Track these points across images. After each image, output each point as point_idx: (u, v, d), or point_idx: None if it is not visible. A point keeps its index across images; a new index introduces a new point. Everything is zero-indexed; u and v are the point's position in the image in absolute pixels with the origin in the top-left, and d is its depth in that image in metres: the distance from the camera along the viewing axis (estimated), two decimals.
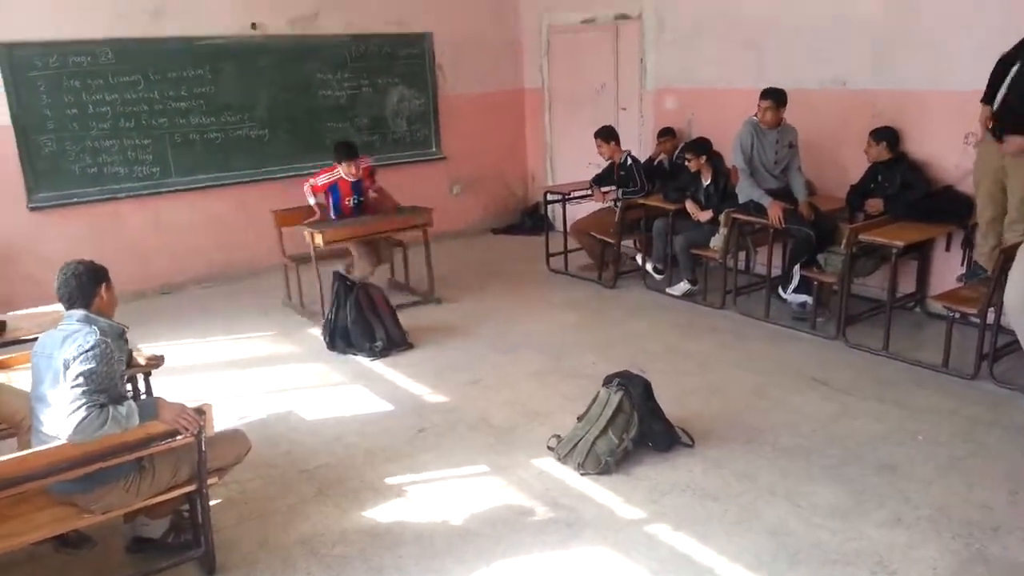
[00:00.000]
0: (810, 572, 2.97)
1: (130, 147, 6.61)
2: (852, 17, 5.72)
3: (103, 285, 2.89)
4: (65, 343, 2.71)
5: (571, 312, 6.06)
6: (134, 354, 3.47)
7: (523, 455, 3.92)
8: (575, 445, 3.75)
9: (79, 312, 2.83)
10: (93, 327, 2.77)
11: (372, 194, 6.28)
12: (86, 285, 2.85)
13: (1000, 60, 4.63)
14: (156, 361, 3.54)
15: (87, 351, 2.66)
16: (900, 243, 4.83)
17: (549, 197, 7.41)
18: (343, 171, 5.97)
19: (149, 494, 2.91)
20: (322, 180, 6.03)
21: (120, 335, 2.95)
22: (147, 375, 3.62)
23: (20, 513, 2.79)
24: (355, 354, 5.30)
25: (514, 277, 7.07)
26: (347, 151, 5.97)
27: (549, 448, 3.91)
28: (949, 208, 5.17)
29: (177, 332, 5.88)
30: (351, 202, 6.11)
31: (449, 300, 6.40)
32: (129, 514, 3.03)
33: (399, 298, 6.20)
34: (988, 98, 4.69)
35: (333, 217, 6.12)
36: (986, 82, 4.69)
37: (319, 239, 5.78)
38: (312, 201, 6.16)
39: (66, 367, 2.66)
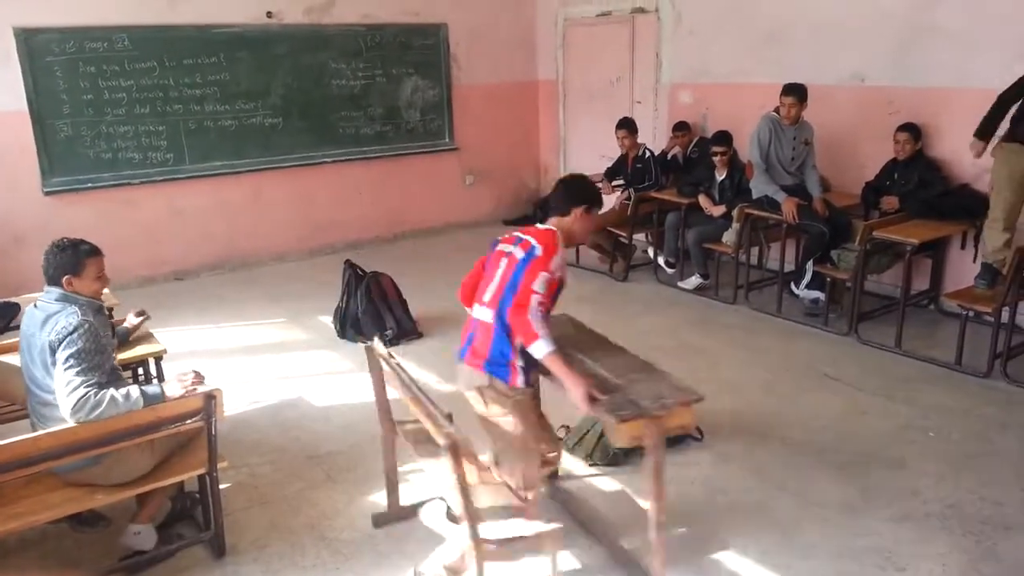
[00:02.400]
0: (818, 566, 2.96)
1: (145, 133, 6.64)
2: (872, 12, 5.67)
3: (68, 277, 2.80)
4: (47, 324, 2.72)
5: (581, 304, 5.99)
6: (125, 321, 3.53)
7: None
8: (584, 436, 3.75)
9: (57, 290, 2.81)
10: (73, 306, 2.76)
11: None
12: (55, 271, 2.82)
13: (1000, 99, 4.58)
14: (142, 314, 3.61)
15: (71, 333, 2.67)
16: (915, 240, 4.80)
17: None
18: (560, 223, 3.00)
19: (163, 452, 2.93)
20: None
21: (99, 310, 2.91)
22: (158, 360, 3.63)
23: (32, 493, 2.81)
24: (365, 342, 5.29)
25: None
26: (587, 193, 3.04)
27: (559, 438, 3.90)
28: (965, 206, 5.12)
29: (188, 318, 5.91)
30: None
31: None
32: (141, 496, 3.04)
33: None
34: (982, 132, 4.66)
35: None
36: (997, 96, 4.61)
37: None
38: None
39: (52, 350, 2.67)
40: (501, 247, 3.00)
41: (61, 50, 6.15)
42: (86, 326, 2.70)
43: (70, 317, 2.70)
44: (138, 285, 6.55)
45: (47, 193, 6.30)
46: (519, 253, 2.87)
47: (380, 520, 3.28)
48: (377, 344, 3.06)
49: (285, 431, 4.13)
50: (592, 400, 2.65)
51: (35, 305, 2.84)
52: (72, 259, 2.82)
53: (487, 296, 2.91)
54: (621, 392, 2.74)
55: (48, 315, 2.74)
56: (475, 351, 2.90)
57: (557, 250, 2.85)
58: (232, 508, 3.37)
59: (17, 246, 6.23)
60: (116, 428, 2.67)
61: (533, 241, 2.87)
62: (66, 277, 2.81)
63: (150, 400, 2.73)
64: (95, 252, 2.90)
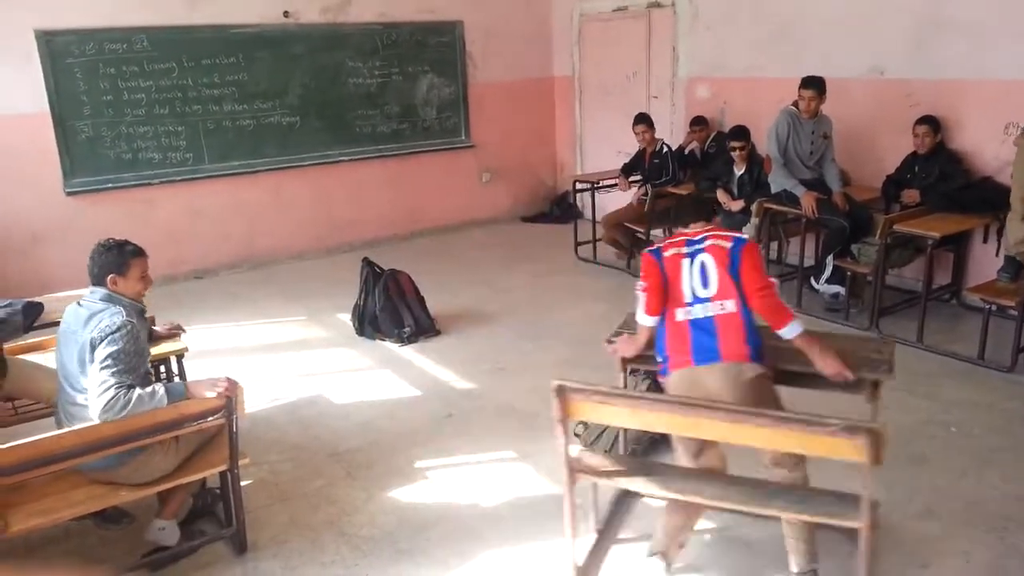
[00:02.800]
0: (839, 563, 2.93)
1: (164, 133, 6.70)
2: (890, 4, 5.62)
3: (112, 276, 2.86)
4: (90, 322, 2.75)
5: (599, 301, 6.03)
6: (154, 328, 3.55)
7: (549, 442, 3.89)
8: (602, 433, 3.75)
9: (102, 290, 2.86)
10: (118, 307, 2.80)
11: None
12: (100, 270, 2.86)
13: None
14: (176, 331, 3.64)
15: (113, 332, 2.70)
16: (936, 234, 4.74)
17: (578, 186, 7.38)
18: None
19: (186, 452, 2.96)
20: None
21: (141, 313, 2.98)
22: (180, 358, 3.67)
23: (56, 491, 2.84)
24: (383, 340, 5.33)
25: (542, 265, 7.05)
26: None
27: (576, 435, 3.90)
28: (987, 199, 5.06)
29: (208, 316, 5.96)
30: None
31: (477, 287, 6.41)
32: (164, 493, 3.06)
33: None
34: None
35: None
36: None
37: None
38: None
39: (92, 347, 2.70)
40: (673, 251, 2.90)
41: (81, 52, 6.22)
42: (128, 327, 2.74)
43: (114, 317, 2.74)
44: (159, 284, 6.55)
45: (69, 193, 6.37)
46: (725, 244, 2.83)
47: None
48: (565, 387, 2.55)
49: (305, 428, 4.16)
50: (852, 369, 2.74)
51: (79, 304, 2.87)
52: (117, 259, 2.87)
53: (710, 290, 2.80)
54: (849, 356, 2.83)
55: (92, 313, 2.78)
56: (731, 345, 2.75)
57: None
58: (253, 505, 3.40)
59: (40, 246, 6.31)
60: (139, 425, 2.70)
61: (730, 233, 2.90)
62: (111, 276, 2.86)
63: (174, 397, 2.75)
64: (140, 252, 2.95)
